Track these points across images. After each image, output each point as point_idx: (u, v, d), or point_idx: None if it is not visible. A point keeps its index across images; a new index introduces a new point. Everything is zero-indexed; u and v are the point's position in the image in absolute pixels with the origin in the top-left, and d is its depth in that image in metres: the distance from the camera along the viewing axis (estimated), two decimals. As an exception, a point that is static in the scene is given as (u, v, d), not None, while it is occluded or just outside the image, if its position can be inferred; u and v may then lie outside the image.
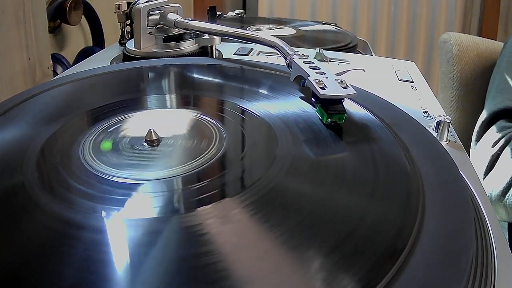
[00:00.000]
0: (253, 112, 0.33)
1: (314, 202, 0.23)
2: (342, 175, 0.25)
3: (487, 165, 0.67)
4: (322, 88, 0.31)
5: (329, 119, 0.30)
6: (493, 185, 0.65)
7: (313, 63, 0.36)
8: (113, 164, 0.27)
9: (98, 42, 1.02)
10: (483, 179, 0.67)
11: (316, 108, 0.32)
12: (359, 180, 0.25)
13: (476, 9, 1.72)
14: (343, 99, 0.31)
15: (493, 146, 0.68)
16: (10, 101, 0.36)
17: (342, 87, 0.32)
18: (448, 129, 0.35)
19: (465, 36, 0.89)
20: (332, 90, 0.31)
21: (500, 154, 0.67)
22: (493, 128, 0.71)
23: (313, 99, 0.33)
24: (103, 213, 0.22)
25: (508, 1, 1.67)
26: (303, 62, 0.36)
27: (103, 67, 0.46)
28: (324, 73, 0.34)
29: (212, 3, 0.74)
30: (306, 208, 0.23)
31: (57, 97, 0.38)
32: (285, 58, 0.39)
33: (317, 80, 0.32)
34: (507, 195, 0.63)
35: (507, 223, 0.80)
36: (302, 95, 0.36)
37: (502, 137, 0.68)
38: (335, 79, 0.33)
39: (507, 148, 0.66)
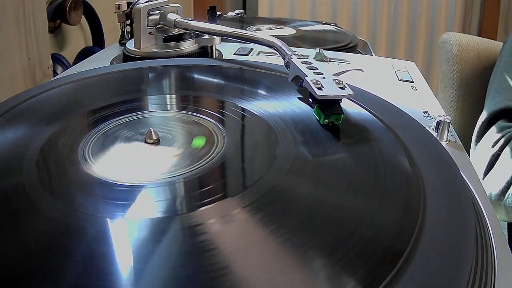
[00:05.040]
0: (253, 112, 0.33)
1: (314, 202, 0.23)
2: (342, 175, 0.25)
3: (487, 165, 0.67)
4: (319, 89, 0.31)
5: (326, 120, 0.30)
6: (492, 185, 0.65)
7: (311, 63, 0.36)
8: (113, 165, 0.27)
9: (98, 42, 1.02)
10: (483, 179, 0.67)
11: (313, 108, 0.32)
12: (360, 180, 0.25)
13: (476, 9, 1.72)
14: (341, 99, 0.31)
15: (493, 146, 0.68)
16: (10, 101, 0.36)
17: (340, 88, 0.32)
18: (448, 129, 0.35)
19: (465, 36, 0.89)
20: (329, 90, 0.31)
21: (500, 154, 0.66)
22: (493, 129, 0.71)
23: (310, 99, 0.33)
24: (103, 214, 0.22)
25: (508, 1, 1.67)
26: (301, 62, 0.36)
27: (103, 67, 0.46)
28: (322, 74, 0.34)
29: (212, 3, 0.74)
30: (307, 208, 0.23)
31: (57, 98, 0.38)
32: (284, 59, 0.39)
33: (314, 81, 0.32)
34: (507, 194, 0.63)
35: (507, 223, 0.80)
36: (300, 96, 0.35)
37: (502, 137, 0.68)
38: (333, 80, 0.33)
39: (507, 148, 0.66)
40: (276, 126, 0.31)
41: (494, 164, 0.67)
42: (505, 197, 0.63)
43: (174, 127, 0.31)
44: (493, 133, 0.70)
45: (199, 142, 0.28)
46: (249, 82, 0.41)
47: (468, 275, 0.19)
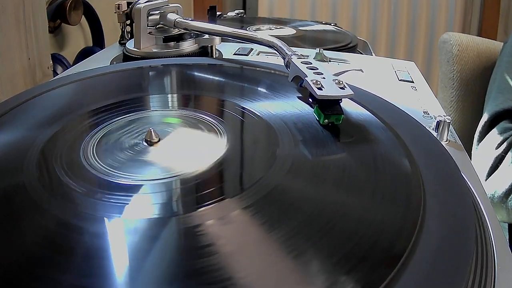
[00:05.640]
0: (253, 112, 0.33)
1: (314, 203, 0.23)
2: (342, 176, 0.25)
3: (490, 167, 0.67)
4: (319, 89, 0.31)
5: (326, 120, 0.30)
6: (496, 186, 0.65)
7: (311, 63, 0.36)
8: (113, 165, 0.27)
9: (98, 42, 1.02)
10: (486, 180, 0.67)
11: (313, 108, 0.32)
12: (359, 181, 0.25)
13: (476, 9, 1.72)
14: (341, 99, 0.31)
15: (496, 148, 0.68)
16: (10, 101, 0.36)
17: (340, 88, 0.32)
18: (448, 129, 0.35)
19: (465, 36, 0.89)
20: (329, 90, 0.31)
21: (504, 156, 0.66)
22: (496, 130, 0.71)
23: (310, 99, 0.33)
24: (103, 214, 0.22)
25: (508, 1, 1.67)
26: (301, 62, 0.36)
27: (103, 67, 0.46)
28: (322, 74, 0.33)
29: (212, 3, 0.74)
30: (306, 209, 0.23)
31: (58, 98, 0.38)
32: (284, 59, 0.39)
33: (314, 81, 0.32)
34: (510, 196, 0.63)
35: (507, 223, 0.80)
36: (300, 96, 0.35)
37: (505, 139, 0.68)
38: (333, 80, 0.33)
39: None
40: (277, 126, 0.31)
41: (498, 166, 0.67)
42: (508, 199, 0.63)
43: (174, 127, 0.31)
44: (495, 134, 0.70)
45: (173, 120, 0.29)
46: (249, 82, 0.41)
47: (468, 275, 0.19)
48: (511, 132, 0.69)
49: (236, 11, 0.92)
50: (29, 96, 0.37)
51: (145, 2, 0.51)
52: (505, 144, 0.67)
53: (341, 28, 0.86)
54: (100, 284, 0.18)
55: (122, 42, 0.61)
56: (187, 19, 0.50)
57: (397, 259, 0.19)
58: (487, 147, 0.70)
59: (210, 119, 0.32)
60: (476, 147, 0.73)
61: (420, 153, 0.28)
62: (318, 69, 0.34)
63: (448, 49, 0.87)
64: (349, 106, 0.33)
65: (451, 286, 0.19)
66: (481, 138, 0.73)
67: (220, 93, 0.38)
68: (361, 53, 0.71)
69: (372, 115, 0.32)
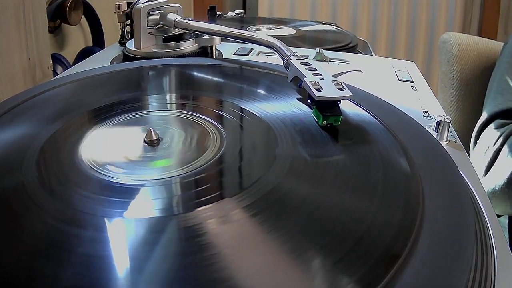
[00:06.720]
0: (252, 113, 0.33)
1: (313, 203, 0.23)
2: (342, 176, 0.25)
3: (489, 161, 0.67)
4: (318, 90, 0.31)
5: (325, 121, 0.30)
6: (497, 178, 0.65)
7: (310, 64, 0.35)
8: (112, 165, 0.27)
9: (98, 42, 1.02)
10: (484, 175, 0.67)
11: (312, 109, 0.32)
12: (359, 181, 0.25)
13: (476, 9, 1.72)
14: (339, 101, 0.31)
15: (493, 145, 0.68)
16: (10, 101, 0.36)
17: (338, 89, 0.32)
18: (448, 129, 0.35)
19: (465, 36, 0.89)
20: (328, 92, 0.31)
21: (501, 148, 0.66)
22: (492, 126, 0.71)
23: (309, 100, 0.33)
24: (103, 214, 0.22)
25: (508, 1, 1.67)
26: (300, 63, 0.36)
27: (103, 67, 0.46)
28: (321, 75, 0.33)
29: (212, 3, 0.74)
30: (306, 209, 0.23)
31: (57, 97, 0.38)
32: (283, 59, 0.39)
33: (313, 82, 0.32)
34: None
35: (507, 222, 0.80)
36: (299, 97, 0.35)
37: (502, 134, 0.68)
38: (332, 81, 0.32)
39: (508, 142, 0.66)
40: (276, 126, 0.31)
41: (496, 159, 0.67)
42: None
43: (173, 127, 0.31)
44: (491, 130, 0.70)
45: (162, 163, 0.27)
46: (248, 82, 0.41)
47: (468, 275, 0.19)
48: (507, 127, 0.69)
49: (236, 11, 0.92)
50: (29, 96, 0.37)
51: (145, 2, 0.51)
52: (501, 138, 0.67)
53: (341, 28, 0.86)
54: (100, 283, 0.18)
55: (122, 42, 0.61)
56: (187, 19, 0.50)
57: (397, 259, 0.19)
58: (484, 144, 0.70)
59: (209, 119, 0.32)
60: (473, 147, 0.73)
61: (420, 153, 0.28)
62: (317, 70, 0.34)
63: (448, 49, 0.87)
64: (348, 107, 0.33)
65: (451, 286, 0.19)
66: (478, 138, 0.73)
67: (219, 94, 0.38)
68: (361, 53, 0.71)
69: (371, 116, 0.32)
